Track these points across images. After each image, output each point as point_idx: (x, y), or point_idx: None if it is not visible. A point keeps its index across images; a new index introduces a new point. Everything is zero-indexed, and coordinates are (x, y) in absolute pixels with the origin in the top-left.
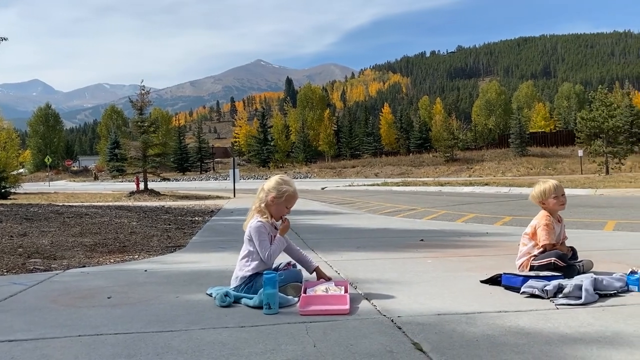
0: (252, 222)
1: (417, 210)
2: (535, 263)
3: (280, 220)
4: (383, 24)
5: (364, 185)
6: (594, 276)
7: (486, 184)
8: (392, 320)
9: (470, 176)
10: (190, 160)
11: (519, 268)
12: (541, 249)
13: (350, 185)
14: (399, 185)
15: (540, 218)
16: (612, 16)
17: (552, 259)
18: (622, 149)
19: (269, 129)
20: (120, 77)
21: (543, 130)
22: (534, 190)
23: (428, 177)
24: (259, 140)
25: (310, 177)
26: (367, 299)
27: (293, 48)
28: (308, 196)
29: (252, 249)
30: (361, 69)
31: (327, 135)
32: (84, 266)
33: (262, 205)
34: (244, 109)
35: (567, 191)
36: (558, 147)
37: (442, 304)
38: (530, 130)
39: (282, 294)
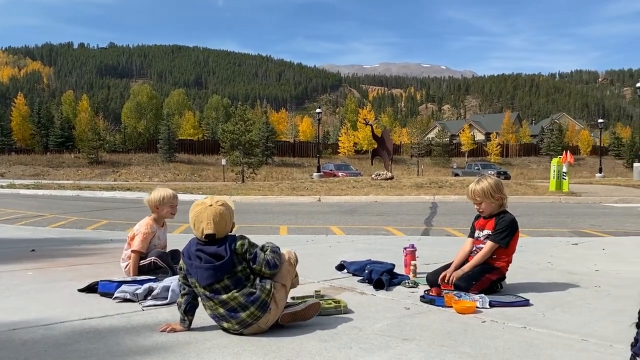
0: None
1: (45, 217)
2: (140, 264)
3: None
4: (19, 2)
5: None
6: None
7: (128, 189)
8: None
9: (115, 180)
10: None
11: (125, 270)
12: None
13: None
14: (29, 188)
15: (142, 225)
16: (256, 40)
17: (153, 259)
18: (257, 160)
19: None
20: None
21: (192, 138)
22: (151, 195)
23: (68, 179)
24: None
25: None
26: None
27: None
28: None
29: None
30: None
31: None
32: None
33: None
34: None
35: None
36: (205, 155)
37: (24, 316)
38: (180, 137)
39: None
